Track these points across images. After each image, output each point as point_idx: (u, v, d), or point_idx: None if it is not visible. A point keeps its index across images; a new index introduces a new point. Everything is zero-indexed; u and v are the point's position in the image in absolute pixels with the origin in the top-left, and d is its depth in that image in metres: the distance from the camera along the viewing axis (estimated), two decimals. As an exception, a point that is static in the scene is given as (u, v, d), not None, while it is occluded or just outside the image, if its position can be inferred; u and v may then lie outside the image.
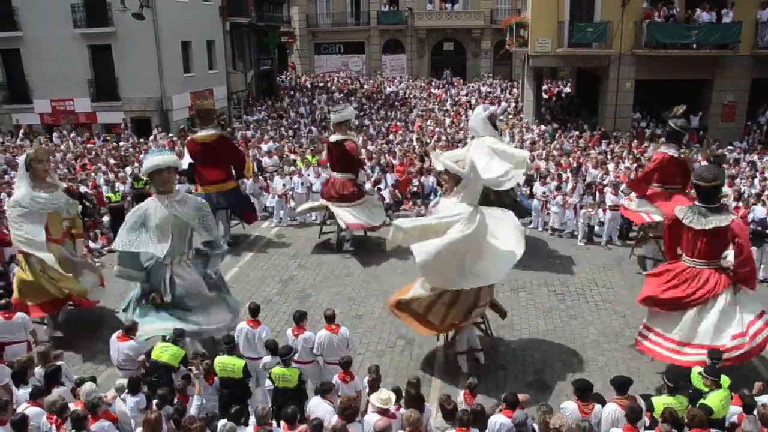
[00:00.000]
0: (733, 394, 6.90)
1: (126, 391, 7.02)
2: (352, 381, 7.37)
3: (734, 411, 6.70)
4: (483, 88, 35.83)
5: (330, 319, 8.14)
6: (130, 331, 8.14)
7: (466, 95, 34.35)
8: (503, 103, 31.45)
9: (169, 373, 7.45)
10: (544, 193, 15.47)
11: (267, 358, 7.69)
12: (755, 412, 6.37)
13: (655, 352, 8.63)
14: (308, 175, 16.74)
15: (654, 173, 12.03)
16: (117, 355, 8.11)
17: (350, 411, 6.24)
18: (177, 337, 7.80)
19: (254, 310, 8.31)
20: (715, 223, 8.22)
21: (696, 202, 8.66)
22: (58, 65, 24.97)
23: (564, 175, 16.35)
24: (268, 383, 7.59)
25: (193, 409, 6.88)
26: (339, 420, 6.19)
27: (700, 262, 8.46)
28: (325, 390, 6.84)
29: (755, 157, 19.56)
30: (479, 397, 7.15)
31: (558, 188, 15.26)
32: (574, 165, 17.62)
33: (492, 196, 12.72)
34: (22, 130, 24.44)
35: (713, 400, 6.50)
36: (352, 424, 6.29)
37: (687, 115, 24.47)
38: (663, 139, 13.59)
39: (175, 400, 6.86)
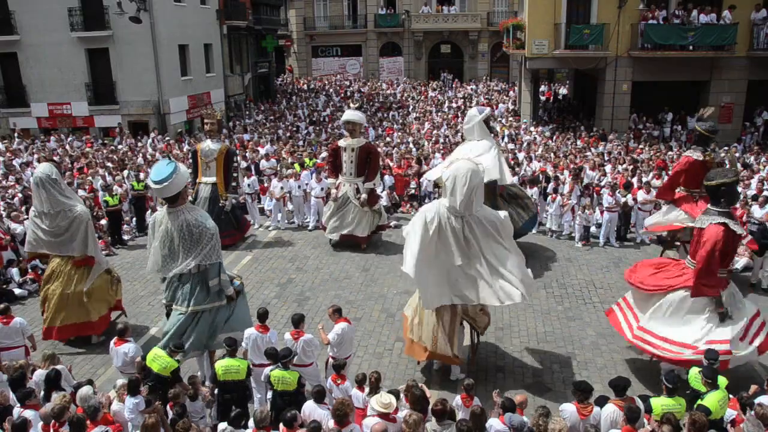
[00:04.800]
0: (731, 396, 6.91)
1: (125, 391, 7.00)
2: (343, 384, 7.38)
3: (731, 413, 6.71)
4: (491, 88, 36.01)
5: (340, 312, 8.29)
6: (124, 333, 8.12)
7: (463, 97, 34.43)
8: (501, 105, 31.59)
9: (162, 380, 7.40)
10: (541, 193, 15.51)
11: (270, 368, 7.54)
12: (752, 412, 6.37)
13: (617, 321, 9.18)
14: (307, 179, 16.54)
15: (679, 176, 11.83)
16: (116, 359, 8.13)
17: (340, 414, 6.24)
18: (174, 349, 7.65)
19: (262, 315, 8.20)
20: (699, 224, 8.32)
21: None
22: (56, 69, 25.01)
23: (561, 177, 16.39)
24: (268, 393, 7.60)
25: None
26: (335, 425, 6.21)
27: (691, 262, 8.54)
28: (318, 394, 6.85)
29: (752, 159, 19.62)
30: (480, 400, 7.15)
31: (555, 190, 15.27)
32: (572, 167, 17.65)
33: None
34: (16, 134, 24.44)
35: (711, 400, 6.51)
36: (347, 427, 6.31)
37: (684, 117, 24.67)
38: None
39: (168, 409, 6.86)
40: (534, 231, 14.90)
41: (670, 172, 12.43)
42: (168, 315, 8.77)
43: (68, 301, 9.94)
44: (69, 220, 9.73)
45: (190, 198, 10.23)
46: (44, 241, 9.89)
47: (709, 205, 8.52)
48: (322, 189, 15.40)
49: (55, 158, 19.43)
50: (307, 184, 16.23)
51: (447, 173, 8.43)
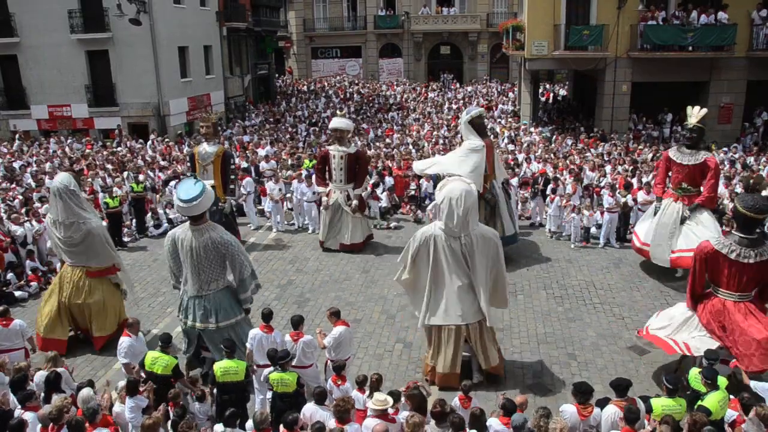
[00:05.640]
0: (731, 396, 6.91)
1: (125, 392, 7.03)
2: (344, 385, 7.40)
3: (732, 414, 6.70)
4: (490, 89, 36.04)
5: (338, 314, 8.28)
6: (130, 327, 8.30)
7: (463, 98, 34.44)
8: (500, 106, 31.61)
9: (167, 380, 7.47)
10: (536, 194, 15.58)
11: (269, 370, 7.56)
12: (753, 413, 6.37)
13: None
14: (300, 185, 15.93)
15: (718, 183, 11.93)
16: (119, 353, 8.31)
17: (341, 410, 6.29)
18: (165, 344, 7.71)
19: (267, 315, 8.21)
20: (764, 256, 7.82)
21: (734, 231, 8.15)
22: (56, 71, 25.02)
23: (561, 177, 16.39)
24: (270, 395, 7.61)
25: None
26: (336, 423, 6.22)
27: (744, 296, 8.10)
28: (319, 395, 6.86)
29: (751, 159, 19.61)
30: (478, 400, 7.13)
31: (554, 191, 15.26)
32: (572, 167, 17.64)
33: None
34: (18, 136, 24.45)
35: (711, 401, 6.51)
36: (348, 425, 6.32)
37: (683, 117, 24.68)
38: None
39: (170, 409, 6.88)
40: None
41: (707, 183, 11.95)
42: (189, 337, 8.76)
43: (76, 312, 9.94)
44: (82, 234, 9.73)
45: None
46: (61, 249, 9.94)
47: (740, 233, 7.97)
48: (313, 193, 15.35)
49: (55, 160, 19.56)
50: (299, 191, 15.99)
51: (441, 195, 8.50)
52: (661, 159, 13.16)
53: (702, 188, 11.95)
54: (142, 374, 7.57)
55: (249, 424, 6.64)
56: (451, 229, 8.32)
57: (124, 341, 8.19)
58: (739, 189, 15.25)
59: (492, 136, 13.76)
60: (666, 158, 12.56)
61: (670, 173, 12.46)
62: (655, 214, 12.54)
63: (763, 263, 7.83)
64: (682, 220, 12.02)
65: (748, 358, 7.76)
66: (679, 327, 8.51)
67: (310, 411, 6.78)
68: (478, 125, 12.94)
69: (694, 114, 11.99)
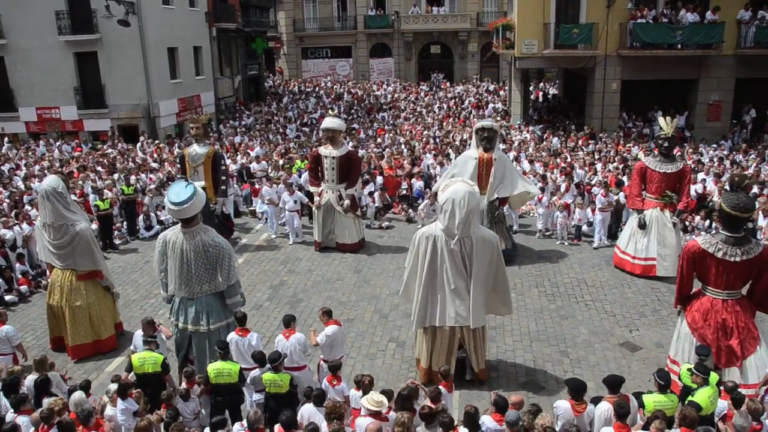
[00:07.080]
0: (721, 389, 6.97)
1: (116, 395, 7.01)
2: (339, 385, 7.40)
3: (723, 406, 6.77)
4: (480, 87, 36.04)
5: (330, 314, 8.28)
6: (143, 326, 8.32)
7: (453, 98, 34.49)
8: (490, 105, 31.70)
9: (158, 379, 7.49)
10: None
11: (255, 372, 7.58)
12: (744, 407, 6.43)
13: None
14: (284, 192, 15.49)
15: None
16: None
17: (335, 416, 6.27)
18: (149, 339, 7.76)
19: (241, 319, 8.20)
20: (750, 254, 7.85)
21: (720, 230, 8.15)
22: (44, 73, 24.83)
23: (551, 176, 16.43)
24: (256, 396, 7.62)
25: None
26: (328, 427, 6.22)
27: (732, 293, 8.14)
28: (318, 398, 6.84)
29: (740, 156, 19.75)
30: (471, 399, 7.14)
31: (543, 189, 15.28)
32: (563, 165, 17.70)
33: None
34: (6, 139, 24.25)
35: (702, 396, 6.57)
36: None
37: (673, 115, 24.90)
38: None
39: (163, 411, 6.87)
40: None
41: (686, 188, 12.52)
42: (179, 344, 8.67)
43: (75, 316, 9.82)
44: (70, 236, 9.66)
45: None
46: (50, 252, 9.87)
47: (726, 232, 7.94)
48: (295, 202, 15.19)
49: (44, 162, 19.42)
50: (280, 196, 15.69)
51: (444, 196, 8.36)
52: (634, 171, 13.19)
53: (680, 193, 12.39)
54: (132, 377, 7.55)
55: (236, 427, 6.64)
56: (451, 230, 8.22)
57: (135, 334, 8.38)
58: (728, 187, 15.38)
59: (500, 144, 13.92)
60: (641, 169, 12.66)
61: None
62: (642, 227, 12.51)
63: (749, 261, 7.88)
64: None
65: (725, 356, 8.03)
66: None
67: (308, 412, 6.79)
68: (481, 138, 13.09)
69: (669, 124, 12.37)
